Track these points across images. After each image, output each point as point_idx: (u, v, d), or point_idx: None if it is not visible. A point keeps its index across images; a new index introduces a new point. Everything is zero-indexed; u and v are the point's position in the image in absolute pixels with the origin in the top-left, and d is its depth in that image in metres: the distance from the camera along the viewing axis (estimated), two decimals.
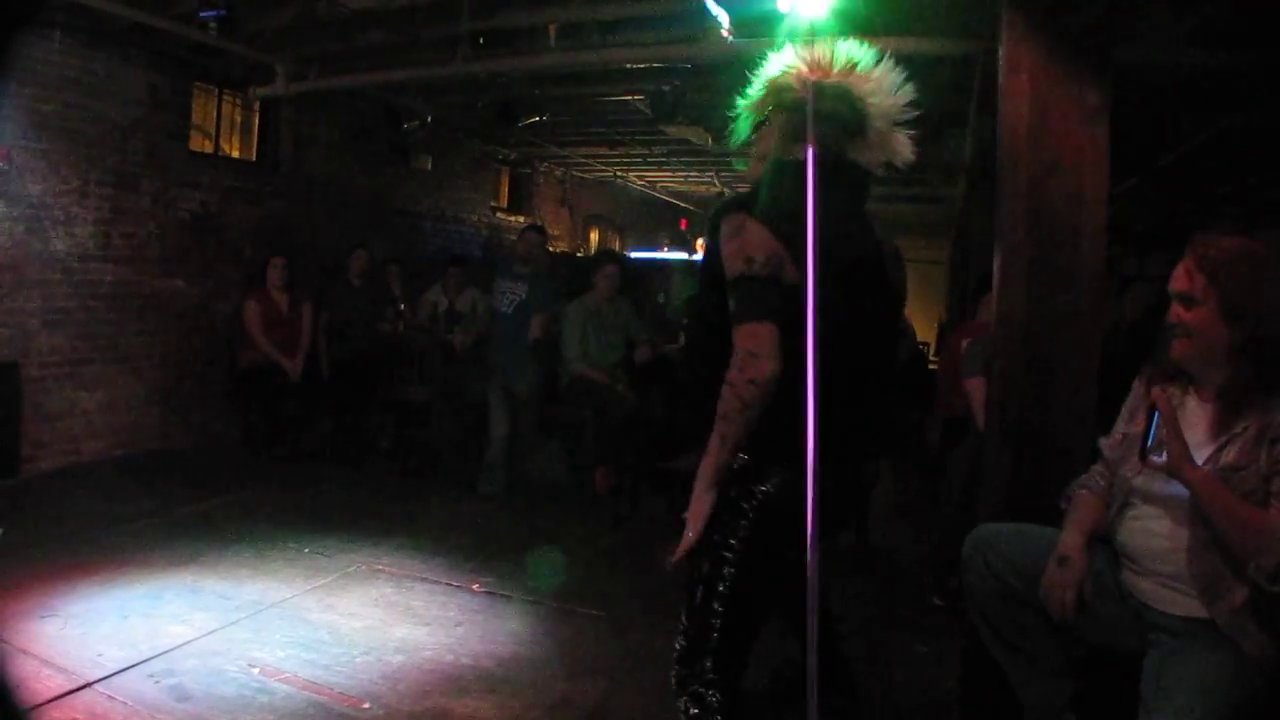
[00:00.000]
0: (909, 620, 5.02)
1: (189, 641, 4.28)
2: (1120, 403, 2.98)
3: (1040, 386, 3.56)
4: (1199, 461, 2.51)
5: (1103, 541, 2.83)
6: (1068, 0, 3.61)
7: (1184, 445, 2.45)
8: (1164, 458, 2.48)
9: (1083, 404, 3.51)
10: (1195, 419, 2.64)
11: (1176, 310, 2.62)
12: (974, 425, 5.22)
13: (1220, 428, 2.56)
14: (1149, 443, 2.56)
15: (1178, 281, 2.61)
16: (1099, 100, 3.56)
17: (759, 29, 6.37)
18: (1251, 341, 2.48)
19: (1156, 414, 2.53)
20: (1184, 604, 2.56)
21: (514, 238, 10.25)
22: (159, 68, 8.12)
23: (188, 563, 5.31)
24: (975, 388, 5.15)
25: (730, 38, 6.43)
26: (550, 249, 10.25)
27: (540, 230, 8.56)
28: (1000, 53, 3.71)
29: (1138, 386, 2.89)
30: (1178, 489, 2.57)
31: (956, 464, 5.36)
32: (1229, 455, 2.50)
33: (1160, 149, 8.37)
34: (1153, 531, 2.66)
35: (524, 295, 7.63)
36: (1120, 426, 2.92)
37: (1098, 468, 2.96)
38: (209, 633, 4.40)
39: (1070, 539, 2.80)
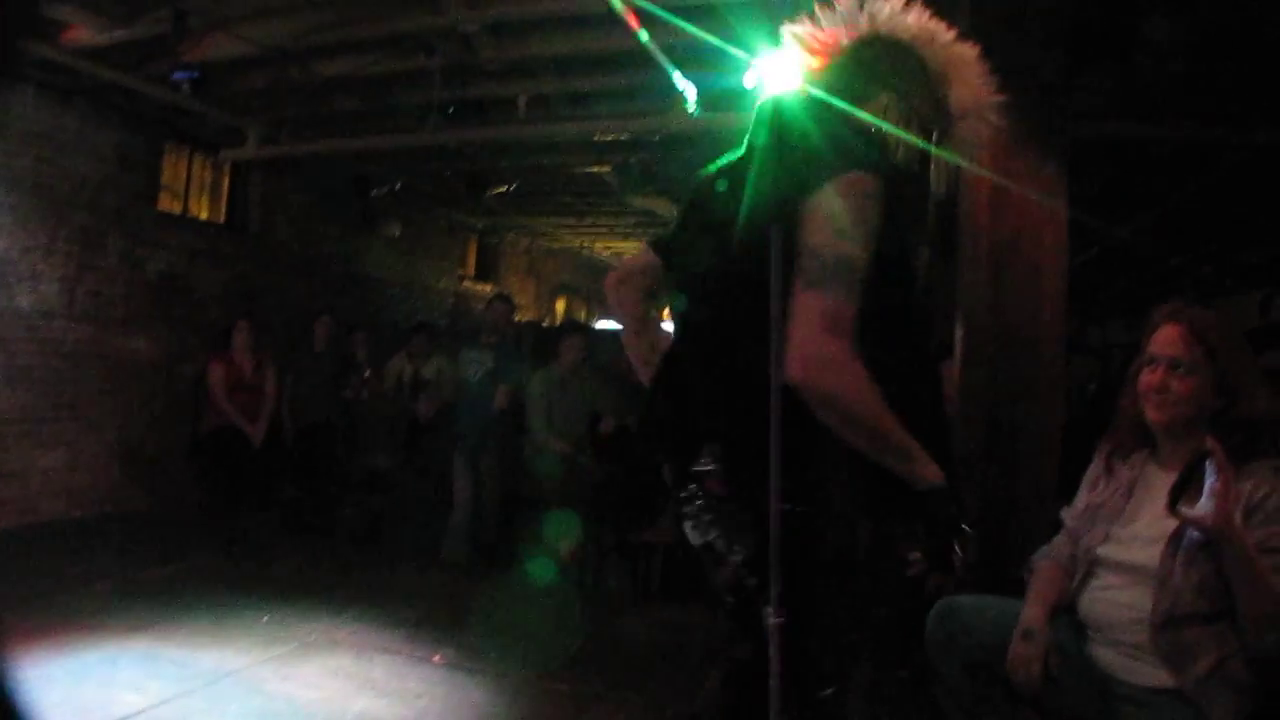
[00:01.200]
0: (875, 692, 4.99)
1: (143, 710, 4.20)
2: (1081, 472, 2.99)
3: (1003, 453, 3.59)
4: (1165, 532, 2.53)
5: (1066, 612, 2.83)
6: (1028, 77, 3.70)
7: (1230, 502, 2.34)
8: (1198, 510, 2.34)
9: (1045, 470, 3.55)
10: (1157, 489, 2.64)
11: (1162, 376, 2.62)
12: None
13: (1187, 499, 2.56)
14: (1182, 492, 2.42)
15: (1171, 348, 2.61)
16: (1058, 173, 3.64)
17: (724, 104, 6.48)
18: (1231, 416, 2.52)
19: (1208, 463, 2.34)
20: (1149, 674, 2.56)
21: (481, 306, 10.26)
22: (131, 127, 8.15)
23: (144, 628, 5.23)
24: None
25: (696, 112, 6.52)
26: (516, 318, 10.27)
27: (507, 300, 8.58)
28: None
29: (1098, 458, 2.91)
30: (1143, 558, 2.58)
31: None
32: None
33: (1120, 219, 8.53)
34: (1117, 602, 2.66)
35: (491, 365, 7.61)
36: (1082, 496, 2.93)
37: (1060, 538, 2.97)
38: (164, 702, 4.31)
39: (1033, 611, 2.79)
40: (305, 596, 6.05)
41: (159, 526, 7.94)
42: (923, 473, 2.03)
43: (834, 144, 2.08)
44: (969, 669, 2.91)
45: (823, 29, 2.29)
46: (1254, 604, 2.35)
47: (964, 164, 2.34)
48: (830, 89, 2.21)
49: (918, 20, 2.25)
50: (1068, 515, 2.98)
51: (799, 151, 2.12)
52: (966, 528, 2.09)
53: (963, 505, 2.13)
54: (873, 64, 2.24)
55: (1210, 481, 2.32)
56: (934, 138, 2.26)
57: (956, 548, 2.07)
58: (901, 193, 2.12)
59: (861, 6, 2.26)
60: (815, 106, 2.20)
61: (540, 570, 6.94)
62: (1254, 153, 6.07)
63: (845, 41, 2.28)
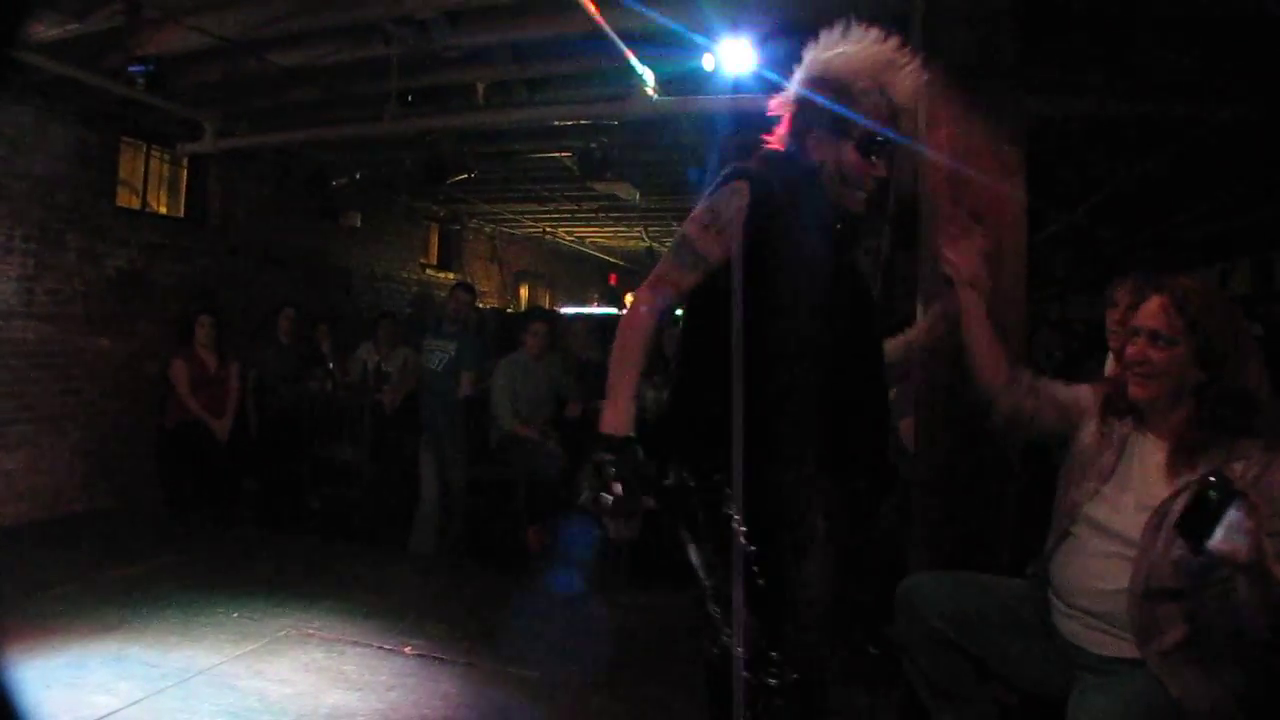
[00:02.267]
0: (848, 670, 5.02)
1: (114, 712, 4.17)
2: (1045, 455, 3.01)
3: (965, 436, 3.62)
4: (1151, 503, 2.54)
5: (1033, 584, 2.87)
6: (985, 58, 3.72)
7: (1261, 535, 2.19)
8: (1221, 542, 2.17)
9: (1008, 452, 3.57)
10: (1144, 451, 2.67)
11: (1143, 348, 2.61)
12: (903, 473, 5.26)
13: (1173, 473, 2.56)
14: (1197, 519, 2.23)
15: (1153, 319, 2.60)
16: (1015, 153, 3.66)
17: (683, 87, 6.49)
18: (1216, 387, 2.51)
19: (1233, 507, 2.17)
20: (1112, 645, 2.58)
21: (444, 294, 10.24)
22: (86, 122, 8.07)
23: (113, 629, 5.19)
24: (906, 427, 5.18)
25: (655, 96, 6.53)
26: (479, 305, 10.25)
27: (469, 289, 8.57)
28: (919, 108, 3.80)
29: (1092, 395, 2.90)
30: (1127, 526, 2.58)
31: (887, 512, 5.40)
32: (1181, 503, 2.38)
33: (1079, 196, 8.60)
34: (1091, 570, 2.66)
35: (454, 353, 7.61)
36: (1064, 396, 2.97)
37: (1035, 381, 3.03)
38: (135, 702, 4.29)
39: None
40: (275, 591, 6.02)
41: (125, 525, 7.88)
42: (607, 416, 2.47)
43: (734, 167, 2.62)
44: (932, 643, 2.94)
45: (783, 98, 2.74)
46: (1260, 597, 2.26)
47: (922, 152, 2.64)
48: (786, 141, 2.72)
49: (834, 46, 2.62)
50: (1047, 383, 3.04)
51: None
52: (622, 484, 2.38)
53: (636, 466, 2.44)
54: (803, 110, 2.67)
55: (1233, 514, 2.18)
56: (890, 137, 2.64)
57: (613, 493, 2.38)
58: (806, 198, 2.59)
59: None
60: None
61: (508, 558, 6.95)
62: (1210, 129, 6.13)
63: (794, 96, 2.70)
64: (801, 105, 2.67)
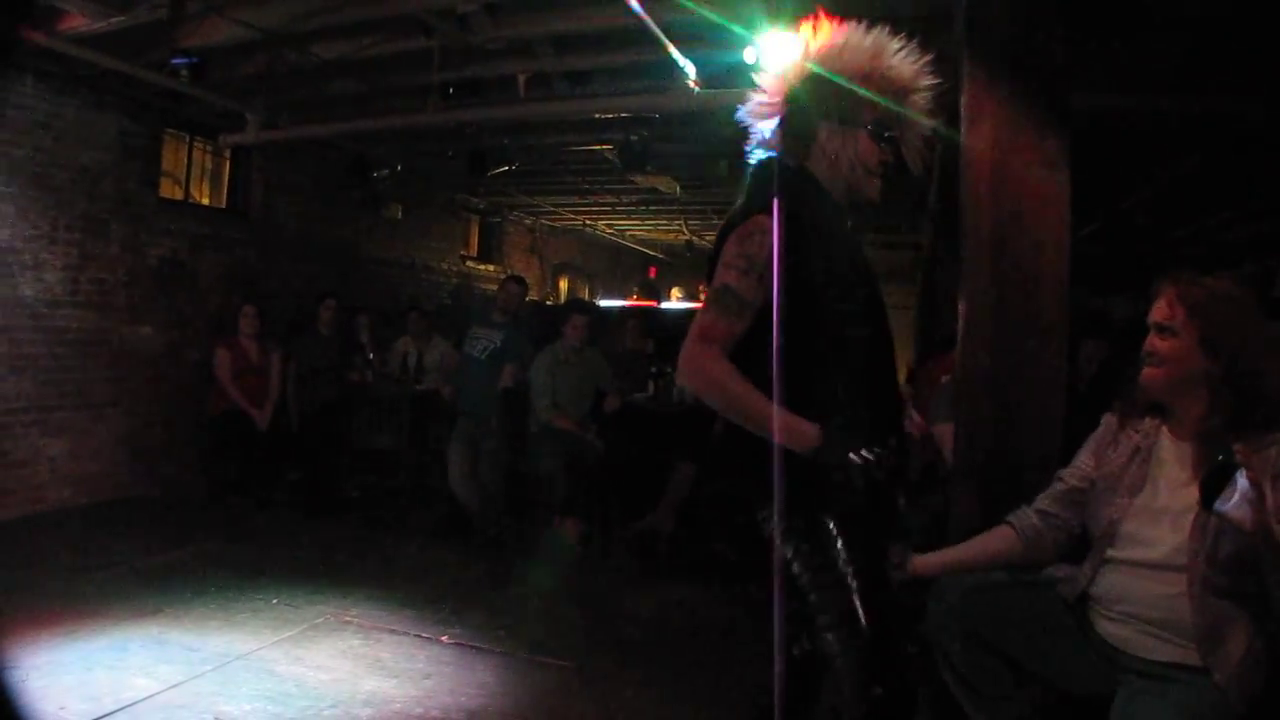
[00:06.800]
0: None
1: (153, 694, 4.22)
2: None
3: (1005, 432, 3.59)
4: (1186, 504, 2.52)
5: (1067, 584, 2.83)
6: (1028, 51, 3.68)
7: (1265, 510, 2.28)
8: (1233, 509, 2.36)
9: (1047, 449, 3.53)
10: (1170, 456, 2.66)
11: (1152, 341, 2.63)
12: (940, 471, 5.22)
13: (1201, 467, 2.53)
14: (1221, 496, 2.38)
15: (1158, 312, 2.63)
16: (1059, 147, 3.62)
17: (725, 80, 6.46)
18: (1229, 377, 2.49)
19: (1239, 473, 2.32)
20: (1164, 650, 2.54)
21: (485, 287, 10.25)
22: (130, 114, 8.15)
23: (153, 614, 5.25)
24: (944, 433, 5.15)
25: (697, 89, 6.51)
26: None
27: (521, 281, 8.58)
28: (962, 102, 3.77)
29: (1110, 421, 2.90)
30: (1169, 531, 2.56)
31: (923, 510, 5.37)
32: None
33: (1120, 193, 8.50)
34: (1137, 578, 2.63)
35: (499, 344, 7.62)
36: (1087, 463, 2.91)
37: (1043, 505, 2.97)
38: (174, 685, 4.34)
39: (933, 558, 2.97)
40: (313, 579, 6.08)
41: (166, 512, 7.96)
42: (796, 436, 2.41)
43: (751, 197, 2.65)
44: (967, 641, 2.91)
45: (767, 93, 2.71)
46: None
47: (930, 129, 2.72)
48: (783, 144, 2.70)
49: (826, 42, 2.62)
50: (1066, 474, 2.97)
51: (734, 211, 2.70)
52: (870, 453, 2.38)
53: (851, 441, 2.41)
54: (804, 107, 2.65)
55: (1243, 485, 2.30)
56: (897, 128, 2.66)
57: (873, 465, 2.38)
58: (823, 211, 2.64)
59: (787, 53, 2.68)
60: (755, 168, 2.74)
61: (546, 549, 6.95)
62: (1256, 126, 6.05)
63: (780, 99, 2.69)
64: (800, 100, 2.65)
